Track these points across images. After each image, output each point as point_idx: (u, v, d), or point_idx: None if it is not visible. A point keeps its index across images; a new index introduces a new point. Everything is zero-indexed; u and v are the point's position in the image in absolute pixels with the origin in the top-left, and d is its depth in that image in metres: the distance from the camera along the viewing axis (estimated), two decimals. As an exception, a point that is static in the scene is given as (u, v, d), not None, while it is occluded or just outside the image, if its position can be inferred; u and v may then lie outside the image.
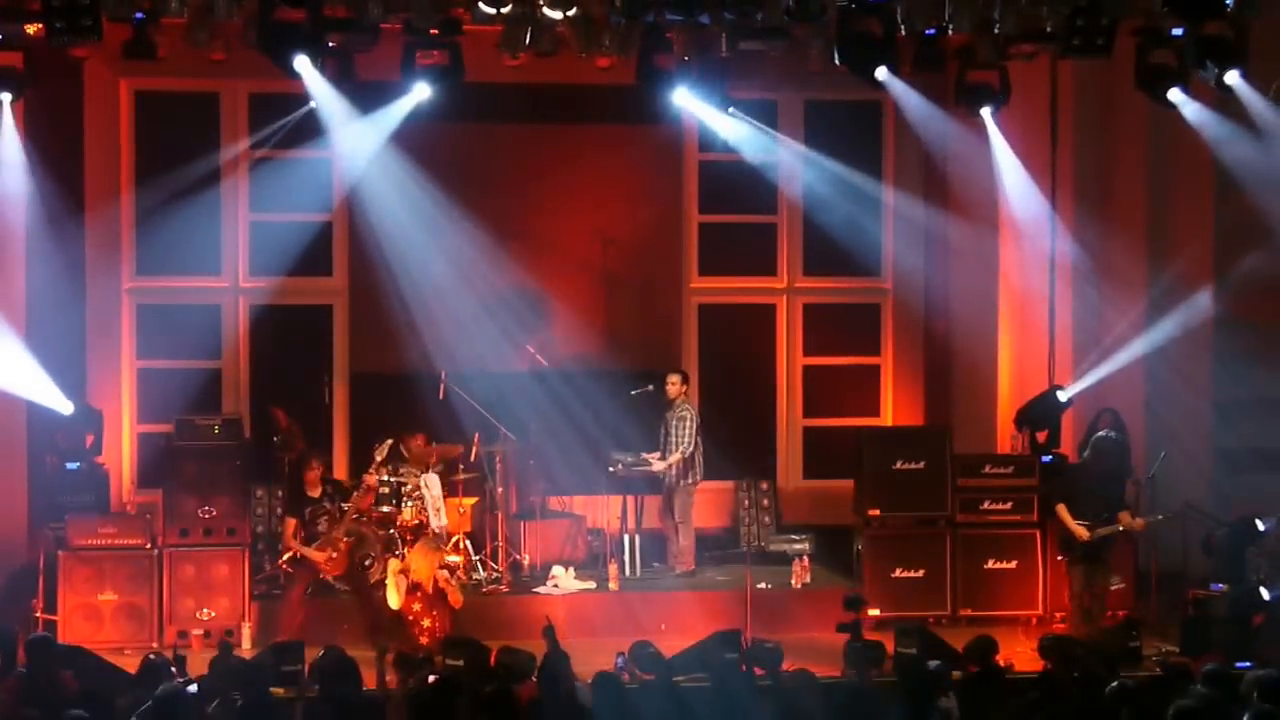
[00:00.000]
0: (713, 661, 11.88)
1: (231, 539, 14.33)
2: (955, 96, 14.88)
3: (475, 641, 12.90)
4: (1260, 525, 14.46)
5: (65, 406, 15.01)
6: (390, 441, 14.73)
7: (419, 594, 13.65)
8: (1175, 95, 14.10)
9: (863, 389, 17.46)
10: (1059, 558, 14.41)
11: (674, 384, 15.61)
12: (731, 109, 15.44)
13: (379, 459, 14.58)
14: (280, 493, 15.38)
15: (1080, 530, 13.90)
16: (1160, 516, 14.39)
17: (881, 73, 13.60)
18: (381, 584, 14.01)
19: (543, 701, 10.30)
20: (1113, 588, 14.16)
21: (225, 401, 16.50)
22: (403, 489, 14.79)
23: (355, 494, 14.41)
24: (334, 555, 14.21)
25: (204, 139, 16.21)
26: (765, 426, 17.29)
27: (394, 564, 13.90)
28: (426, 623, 13.60)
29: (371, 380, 16.66)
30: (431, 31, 13.61)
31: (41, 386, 14.80)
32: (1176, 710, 9.14)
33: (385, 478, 14.79)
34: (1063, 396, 15.81)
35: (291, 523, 14.30)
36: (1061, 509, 14.07)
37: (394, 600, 13.69)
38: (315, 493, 14.39)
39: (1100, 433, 14.50)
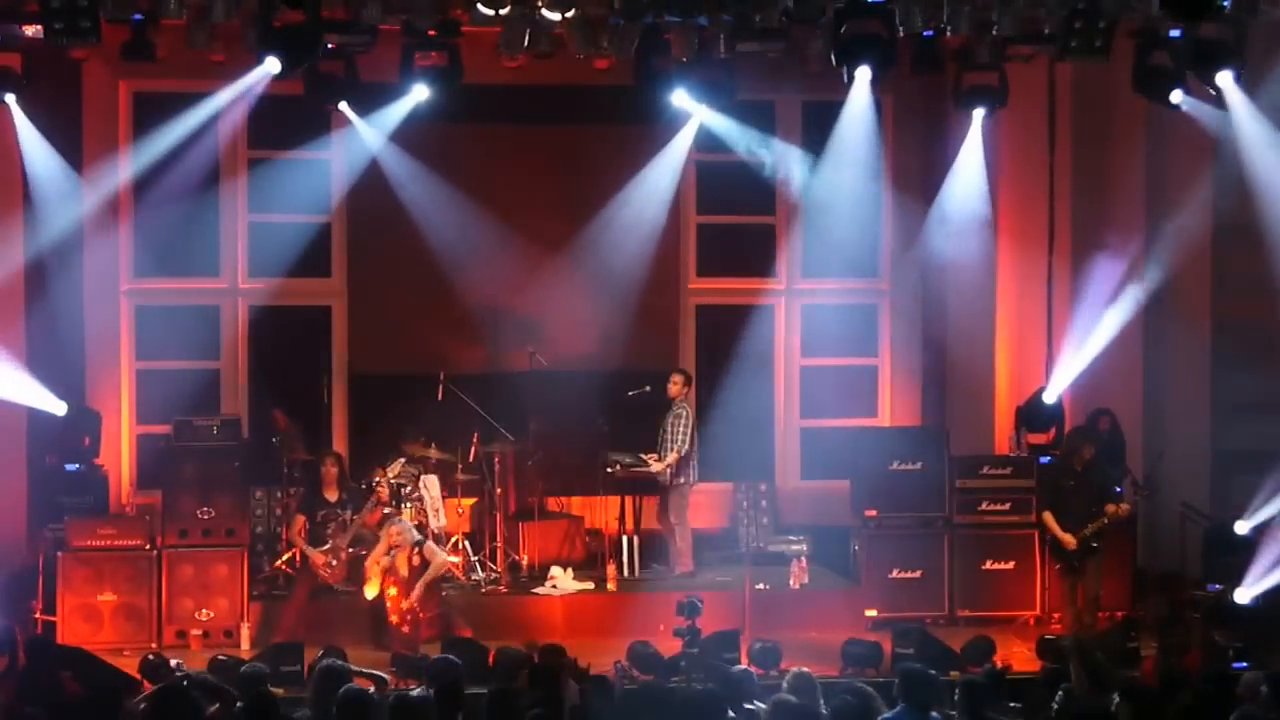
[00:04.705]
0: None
1: (231, 540, 14.35)
2: (954, 98, 14.90)
3: (474, 641, 12.96)
4: (1240, 528, 14.45)
5: (58, 408, 15.02)
6: (403, 460, 14.79)
7: (393, 577, 13.75)
8: (1178, 97, 14.09)
9: (860, 390, 17.47)
10: (1055, 566, 14.44)
11: (675, 383, 15.61)
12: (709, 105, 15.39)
13: (391, 475, 14.59)
14: (279, 494, 15.38)
15: (1066, 538, 13.91)
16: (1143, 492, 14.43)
17: (862, 73, 13.57)
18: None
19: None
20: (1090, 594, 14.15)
21: (224, 402, 16.51)
22: (402, 489, 14.81)
23: (365, 507, 14.39)
24: (333, 563, 14.22)
25: (203, 140, 16.19)
26: (763, 427, 17.30)
27: (378, 551, 13.98)
28: (405, 605, 13.67)
29: (370, 381, 16.67)
30: (430, 33, 13.62)
31: (33, 389, 14.82)
32: None
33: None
34: (1048, 398, 15.85)
35: (300, 519, 14.31)
36: (1048, 517, 14.11)
37: (371, 590, 13.77)
38: (332, 496, 14.42)
39: (1070, 430, 14.50)
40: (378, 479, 14.51)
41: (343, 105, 15.00)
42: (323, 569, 14.17)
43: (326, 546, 14.22)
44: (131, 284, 16.54)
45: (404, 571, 13.81)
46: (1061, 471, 14.37)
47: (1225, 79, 13.73)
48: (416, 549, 13.87)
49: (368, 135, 15.46)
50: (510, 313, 16.66)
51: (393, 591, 13.76)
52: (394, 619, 13.70)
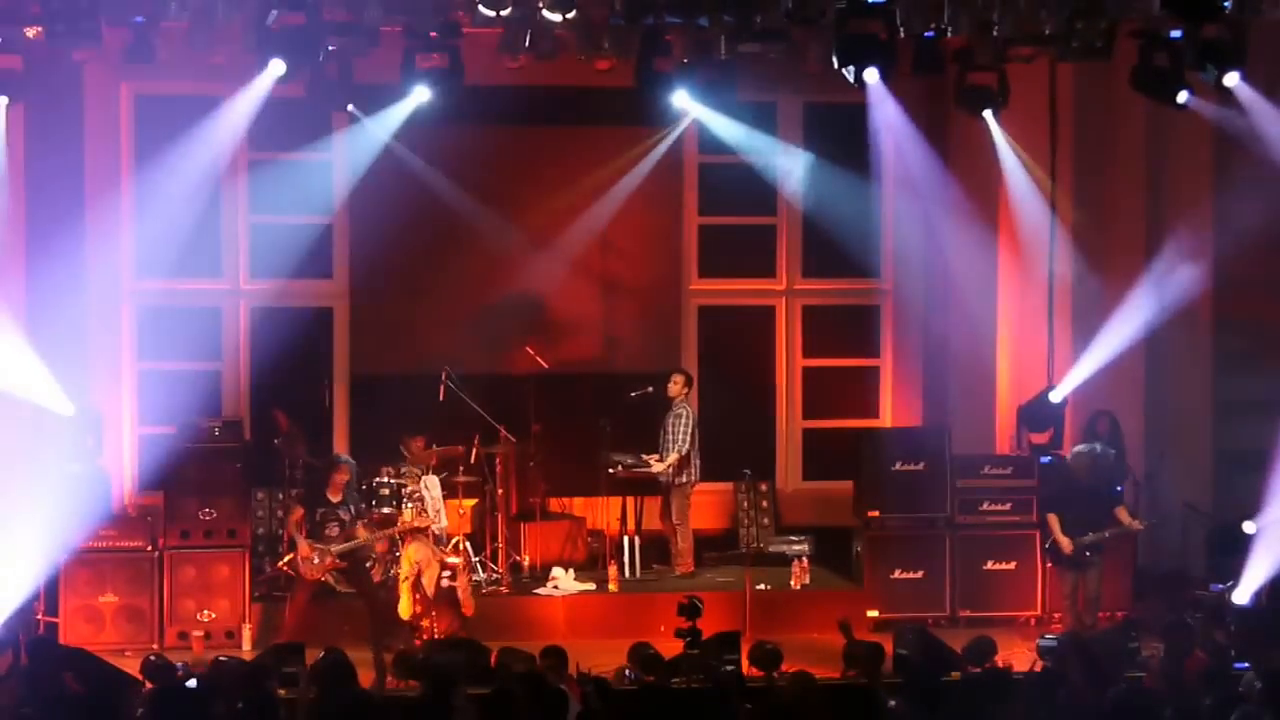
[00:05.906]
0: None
1: (232, 541, 14.38)
2: (955, 99, 14.90)
3: (475, 642, 12.97)
4: (1248, 528, 14.44)
5: (66, 408, 15.03)
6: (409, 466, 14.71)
7: (419, 595, 13.68)
8: (1183, 97, 14.07)
9: (862, 390, 17.47)
10: (1046, 565, 14.46)
11: (675, 383, 15.65)
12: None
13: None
14: (281, 495, 15.39)
15: (1065, 542, 13.93)
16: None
17: (871, 75, 13.56)
18: (384, 584, 14.05)
19: None
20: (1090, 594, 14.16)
21: (226, 404, 16.52)
22: (403, 490, 14.80)
23: (361, 525, 14.33)
24: (315, 560, 14.06)
25: (204, 141, 16.19)
26: (765, 428, 17.30)
27: (403, 570, 13.91)
28: (425, 623, 13.64)
29: (371, 382, 16.68)
30: (431, 34, 13.64)
31: (42, 389, 14.82)
32: None
33: (386, 479, 14.79)
34: (1054, 397, 15.86)
35: (299, 510, 14.22)
36: (1052, 519, 14.11)
37: (404, 609, 13.69)
38: (336, 497, 14.34)
39: (1078, 447, 14.46)
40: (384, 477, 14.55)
41: (350, 108, 15.05)
42: (302, 561, 14.01)
43: (321, 546, 14.15)
44: (134, 285, 16.54)
45: (430, 590, 13.75)
46: (1070, 480, 14.35)
47: (1233, 78, 13.72)
48: (446, 572, 13.78)
49: (375, 135, 15.46)
50: (512, 314, 16.66)
51: (416, 609, 13.70)
52: (415, 632, 13.66)
